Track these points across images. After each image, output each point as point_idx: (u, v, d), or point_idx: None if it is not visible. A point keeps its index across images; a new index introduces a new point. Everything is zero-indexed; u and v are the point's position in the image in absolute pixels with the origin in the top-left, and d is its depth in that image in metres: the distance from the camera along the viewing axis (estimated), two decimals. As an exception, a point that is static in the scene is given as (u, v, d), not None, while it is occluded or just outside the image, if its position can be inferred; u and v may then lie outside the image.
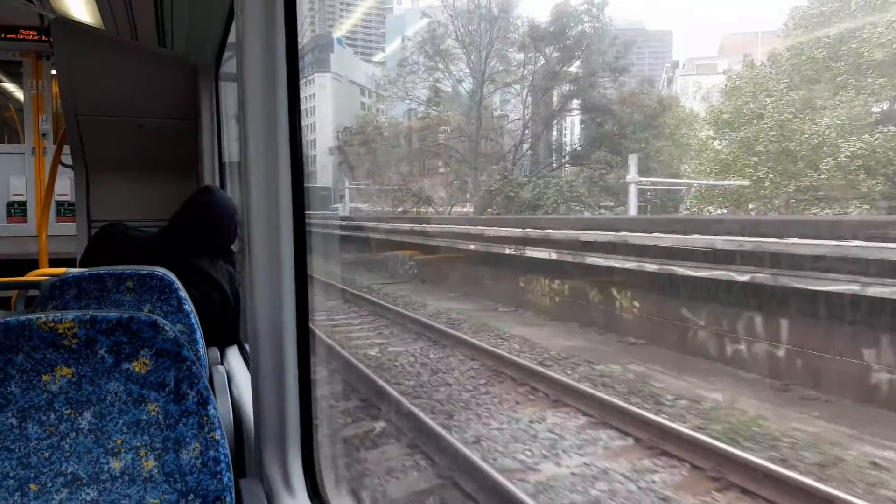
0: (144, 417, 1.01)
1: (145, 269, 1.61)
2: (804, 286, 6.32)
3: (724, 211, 18.71)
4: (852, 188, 15.23)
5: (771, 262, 6.77)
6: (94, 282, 1.54)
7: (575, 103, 26.78)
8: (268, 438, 1.32)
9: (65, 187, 4.92)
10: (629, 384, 6.54)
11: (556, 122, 28.04)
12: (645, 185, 19.56)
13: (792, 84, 17.30)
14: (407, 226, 19.38)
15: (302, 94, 1.43)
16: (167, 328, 1.01)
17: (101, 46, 3.31)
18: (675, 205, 21.77)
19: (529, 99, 28.20)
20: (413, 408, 5.19)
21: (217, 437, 1.03)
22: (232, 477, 1.05)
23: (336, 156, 36.79)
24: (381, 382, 5.98)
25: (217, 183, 3.56)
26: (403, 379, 6.74)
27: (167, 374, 1.01)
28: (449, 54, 28.36)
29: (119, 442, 1.00)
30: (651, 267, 8.38)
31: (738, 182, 17.69)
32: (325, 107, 42.39)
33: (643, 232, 9.00)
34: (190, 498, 1.01)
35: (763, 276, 6.77)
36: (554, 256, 10.75)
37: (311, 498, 1.31)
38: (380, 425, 5.22)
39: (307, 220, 1.34)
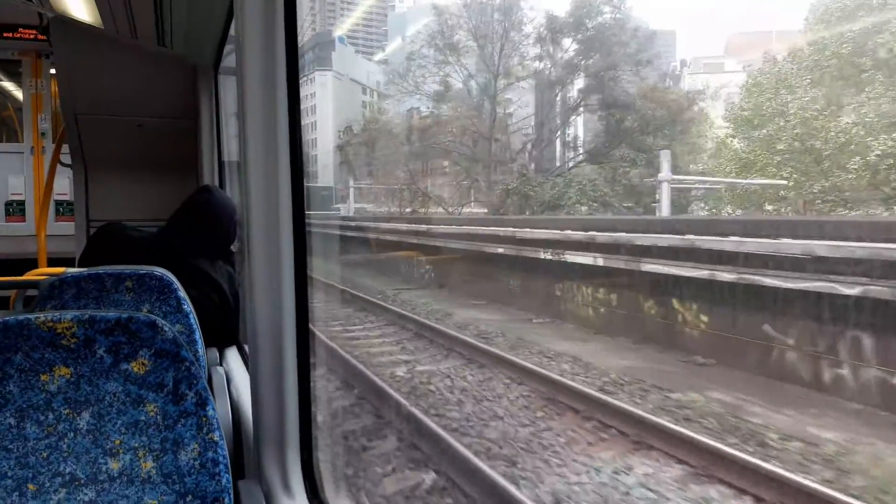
0: (143, 418, 1.03)
1: (144, 269, 1.64)
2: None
3: (740, 212, 18.52)
4: (880, 188, 15.05)
5: (883, 271, 5.83)
6: (92, 281, 1.57)
7: (594, 98, 26.29)
8: (267, 440, 1.34)
9: (64, 187, 4.99)
10: (718, 419, 5.60)
11: (573, 118, 27.67)
12: (680, 183, 18.85)
13: (814, 81, 17.15)
14: (420, 227, 18.56)
15: (302, 93, 1.45)
16: (166, 328, 1.03)
17: (101, 45, 3.37)
18: (687, 205, 21.47)
19: (546, 94, 27.86)
20: (464, 451, 4.40)
21: (216, 439, 1.05)
22: (230, 478, 1.07)
23: (338, 155, 36.82)
24: (418, 414, 5.19)
25: (216, 183, 3.61)
26: (444, 408, 5.91)
27: (166, 375, 1.04)
28: (460, 47, 28.06)
29: (117, 442, 1.03)
30: (726, 276, 7.46)
31: (776, 182, 17.33)
32: (326, 105, 42.60)
33: (717, 235, 7.99)
34: (188, 499, 1.03)
35: (879, 290, 5.81)
36: (600, 262, 9.83)
37: (309, 500, 1.33)
38: (429, 477, 4.35)
39: (307, 220, 1.36)
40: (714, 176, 20.06)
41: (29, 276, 2.90)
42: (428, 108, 30.27)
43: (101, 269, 1.61)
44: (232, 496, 1.07)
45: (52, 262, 4.13)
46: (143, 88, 3.58)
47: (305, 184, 1.37)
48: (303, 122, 1.38)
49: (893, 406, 5.70)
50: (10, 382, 0.99)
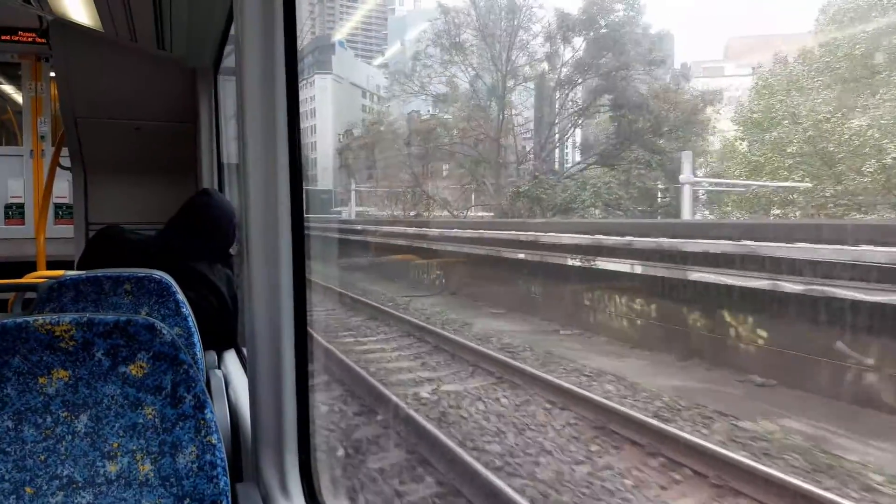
0: (141, 421, 1.05)
1: (143, 272, 1.66)
2: None
3: (746, 216, 18.40)
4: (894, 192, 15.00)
5: None
6: (91, 284, 1.59)
7: (606, 98, 26.11)
8: (265, 442, 1.35)
9: (63, 190, 5.04)
10: (805, 455, 4.90)
11: (582, 119, 27.52)
12: (701, 185, 18.45)
13: (826, 82, 17.11)
14: (430, 230, 17.74)
15: (302, 96, 1.48)
16: (164, 331, 1.05)
17: (100, 48, 3.41)
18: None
19: (555, 94, 27.73)
20: (519, 499, 3.77)
21: (214, 441, 1.07)
22: (228, 481, 1.08)
23: (338, 158, 36.84)
24: (454, 447, 4.54)
25: (215, 185, 3.65)
26: (481, 440, 5.23)
27: (164, 378, 1.05)
28: (467, 46, 27.95)
29: (115, 445, 1.04)
30: (793, 287, 6.78)
31: (801, 184, 17.14)
32: (325, 109, 42.86)
33: (781, 241, 7.33)
34: (186, 502, 1.05)
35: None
36: (638, 269, 9.14)
37: (307, 502, 1.35)
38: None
39: (306, 224, 1.39)
40: (721, 178, 19.94)
41: (28, 279, 2.94)
42: (433, 109, 30.17)
43: (99, 272, 1.63)
44: (230, 499, 1.09)
45: (51, 265, 4.16)
46: (142, 91, 3.63)
47: (304, 187, 1.40)
48: (302, 125, 1.39)
49: None
50: (7, 385, 1.00)
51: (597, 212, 21.56)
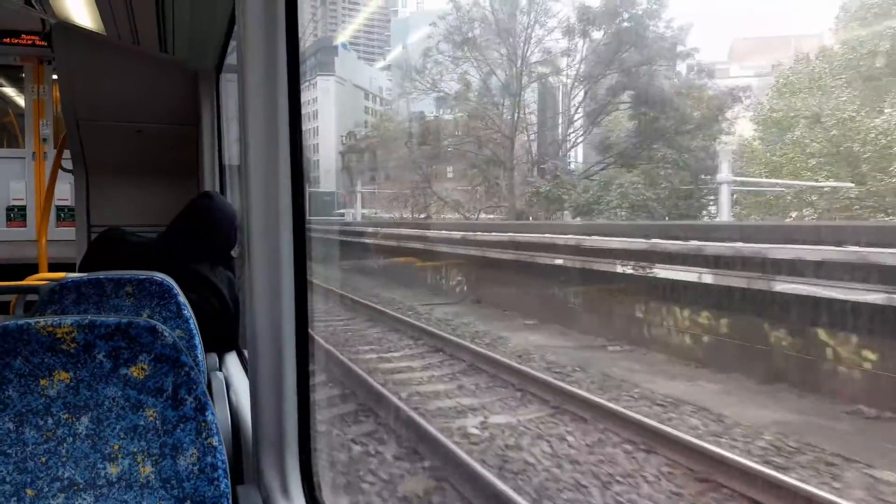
0: (142, 423, 1.08)
1: (144, 274, 1.69)
2: None
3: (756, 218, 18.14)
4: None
5: None
6: (93, 287, 1.62)
7: (626, 95, 25.56)
8: (266, 445, 1.38)
9: (65, 192, 5.11)
10: None
11: (601, 117, 27.05)
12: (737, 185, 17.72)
13: (849, 80, 16.95)
14: (453, 234, 16.74)
15: (304, 98, 1.50)
16: (166, 333, 1.07)
17: (103, 51, 3.47)
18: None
19: (573, 91, 27.34)
20: None
21: (215, 444, 1.09)
22: (229, 483, 1.11)
23: (341, 160, 36.88)
24: None
25: (217, 187, 3.69)
26: (560, 498, 4.50)
27: (165, 380, 1.08)
28: (480, 42, 27.63)
29: (116, 447, 1.07)
30: None
31: (845, 185, 16.78)
32: (328, 111, 43.16)
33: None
34: None
35: None
36: (707, 279, 8.35)
37: None
38: None
39: (308, 226, 1.42)
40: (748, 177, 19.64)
41: (29, 281, 3.00)
42: (444, 107, 29.93)
43: (101, 275, 1.65)
44: (230, 501, 1.11)
45: (53, 267, 4.24)
46: (144, 94, 3.68)
47: (307, 188, 1.42)
48: (305, 128, 1.42)
49: None
50: (9, 387, 1.03)
51: (622, 213, 20.83)
